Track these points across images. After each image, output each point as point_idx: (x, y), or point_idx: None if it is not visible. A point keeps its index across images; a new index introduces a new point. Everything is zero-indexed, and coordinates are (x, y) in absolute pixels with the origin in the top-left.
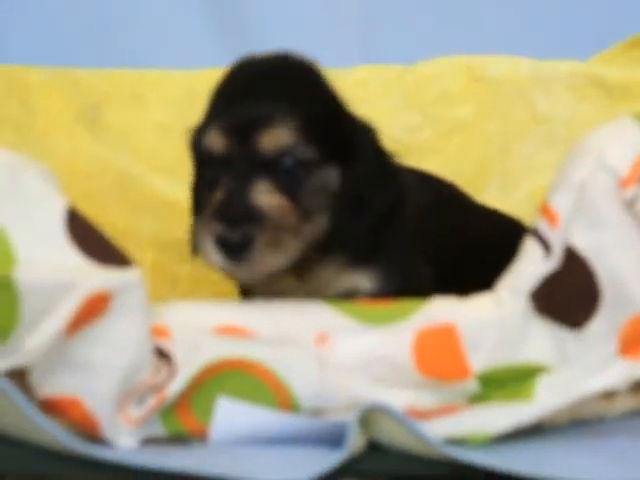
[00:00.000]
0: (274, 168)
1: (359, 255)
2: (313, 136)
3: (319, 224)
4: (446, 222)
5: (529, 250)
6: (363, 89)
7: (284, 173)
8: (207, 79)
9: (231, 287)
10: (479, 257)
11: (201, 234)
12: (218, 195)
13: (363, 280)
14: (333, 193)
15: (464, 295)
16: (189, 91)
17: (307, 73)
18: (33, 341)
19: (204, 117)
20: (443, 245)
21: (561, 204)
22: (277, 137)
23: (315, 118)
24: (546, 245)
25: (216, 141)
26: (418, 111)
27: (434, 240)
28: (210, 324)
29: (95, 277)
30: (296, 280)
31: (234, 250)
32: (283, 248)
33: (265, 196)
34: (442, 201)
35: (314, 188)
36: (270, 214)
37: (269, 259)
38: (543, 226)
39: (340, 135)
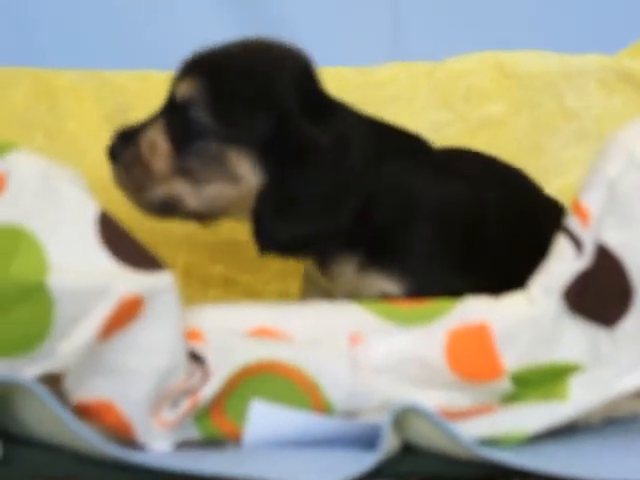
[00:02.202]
0: (178, 116)
1: (379, 253)
2: (221, 112)
3: (205, 196)
4: (489, 217)
5: (561, 248)
6: (393, 86)
7: (181, 123)
8: None
9: (263, 287)
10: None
11: None
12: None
13: (389, 285)
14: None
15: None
16: None
17: (279, 70)
18: (67, 346)
19: None
20: (488, 241)
21: (593, 202)
22: (184, 87)
23: (238, 99)
24: (578, 243)
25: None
26: (447, 108)
27: (476, 236)
28: (243, 327)
29: (128, 282)
30: (322, 275)
31: (111, 154)
32: (142, 182)
33: (151, 131)
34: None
35: (203, 155)
36: (141, 144)
37: (125, 178)
38: (575, 224)
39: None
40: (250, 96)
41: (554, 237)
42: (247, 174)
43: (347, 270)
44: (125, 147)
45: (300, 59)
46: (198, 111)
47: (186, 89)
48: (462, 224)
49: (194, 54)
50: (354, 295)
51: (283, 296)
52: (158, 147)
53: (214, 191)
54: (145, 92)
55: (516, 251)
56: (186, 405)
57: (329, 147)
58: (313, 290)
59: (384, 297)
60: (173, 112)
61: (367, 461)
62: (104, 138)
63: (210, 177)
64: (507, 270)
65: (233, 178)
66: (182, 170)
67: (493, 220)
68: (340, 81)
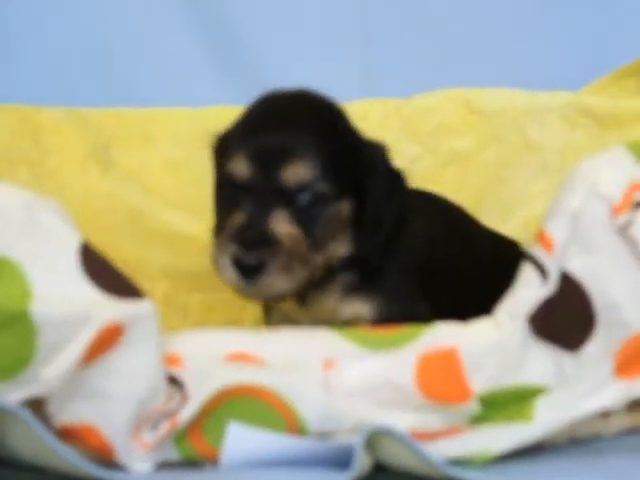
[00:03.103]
0: (292, 200)
1: (362, 282)
2: (331, 172)
3: (329, 252)
4: (453, 252)
5: (526, 275)
6: (364, 122)
7: (301, 206)
8: (213, 116)
9: (240, 316)
10: (482, 283)
11: (219, 253)
12: (238, 218)
13: (363, 308)
14: (346, 222)
15: (465, 319)
16: (196, 128)
17: (327, 109)
18: (50, 372)
19: (229, 134)
20: (449, 274)
21: (556, 231)
22: (298, 172)
23: (334, 154)
24: (543, 270)
25: (241, 168)
26: (417, 142)
27: (440, 270)
28: (220, 352)
29: (109, 309)
30: (298, 306)
31: (248, 271)
32: (292, 274)
33: (281, 225)
34: (450, 231)
35: (327, 221)
36: (284, 242)
37: (278, 282)
38: (539, 252)
39: (356, 168)
40: (348, 156)
41: (502, 267)
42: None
43: (331, 298)
44: (261, 254)
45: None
46: (318, 187)
47: (299, 173)
48: (431, 261)
49: (263, 138)
50: (327, 321)
51: (262, 323)
52: (298, 238)
53: (337, 245)
54: (124, 129)
55: (471, 283)
56: (165, 427)
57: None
58: (274, 317)
59: (356, 321)
60: (286, 197)
61: None
62: (86, 173)
63: (332, 235)
64: (464, 299)
65: (342, 223)
66: (315, 244)
67: (455, 257)
68: None
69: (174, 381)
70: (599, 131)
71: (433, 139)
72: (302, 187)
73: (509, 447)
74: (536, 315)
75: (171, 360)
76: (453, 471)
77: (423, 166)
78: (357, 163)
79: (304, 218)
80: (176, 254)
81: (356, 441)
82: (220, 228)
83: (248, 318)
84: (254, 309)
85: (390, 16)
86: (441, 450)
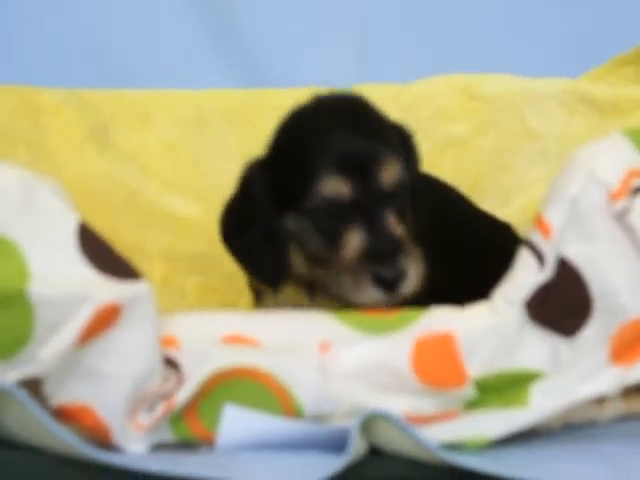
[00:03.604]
0: (391, 199)
1: None
2: (402, 163)
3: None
4: (446, 232)
5: (524, 261)
6: None
7: (399, 202)
8: (212, 98)
9: (237, 299)
10: (474, 263)
11: (349, 277)
12: (356, 237)
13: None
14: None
15: (459, 302)
16: (195, 110)
17: (368, 104)
18: (47, 351)
19: (278, 163)
20: (443, 253)
21: (554, 217)
22: (393, 171)
23: (396, 146)
24: (540, 256)
25: (341, 187)
26: (415, 128)
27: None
28: (217, 334)
29: (106, 290)
30: (305, 294)
31: (391, 285)
32: (420, 269)
33: (396, 227)
34: (443, 208)
35: (409, 208)
36: (405, 242)
37: (416, 282)
38: (537, 238)
39: (405, 152)
40: (399, 142)
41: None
42: None
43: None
44: (399, 264)
45: None
46: (405, 179)
47: (394, 172)
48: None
49: (346, 151)
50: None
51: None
52: (407, 233)
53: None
54: (123, 110)
55: (464, 263)
56: (161, 409)
57: None
58: (267, 303)
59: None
60: (387, 198)
61: (335, 464)
62: (84, 153)
63: (411, 219)
64: (457, 279)
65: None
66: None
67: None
68: None
69: (170, 363)
70: (598, 118)
71: (432, 124)
72: (398, 185)
73: (504, 432)
74: (532, 300)
75: (168, 342)
76: (448, 455)
77: (422, 151)
78: (404, 147)
79: (402, 211)
80: (173, 236)
81: (351, 425)
82: (329, 257)
83: (245, 301)
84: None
85: (389, 2)
86: (436, 434)
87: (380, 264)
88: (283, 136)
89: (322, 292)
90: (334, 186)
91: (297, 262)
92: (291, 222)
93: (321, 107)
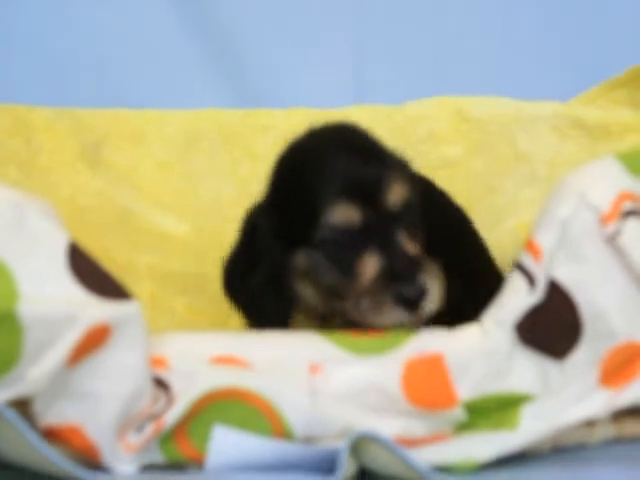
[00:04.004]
0: (400, 219)
1: None
2: (407, 181)
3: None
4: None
5: (514, 283)
6: None
7: (408, 220)
8: (205, 118)
9: (226, 319)
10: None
11: (369, 301)
12: (372, 261)
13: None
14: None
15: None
16: (187, 130)
17: (364, 133)
18: (36, 371)
19: (281, 202)
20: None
21: (545, 240)
22: (400, 192)
23: (398, 167)
24: (530, 278)
25: (350, 213)
26: (407, 149)
27: None
28: (207, 354)
29: (96, 310)
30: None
31: (414, 303)
32: (440, 285)
33: (409, 245)
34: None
35: (418, 226)
36: (421, 260)
37: (437, 298)
38: (528, 260)
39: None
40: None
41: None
42: None
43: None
44: (420, 282)
45: None
46: (412, 198)
47: (401, 192)
48: None
49: (353, 177)
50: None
51: (246, 326)
52: (419, 250)
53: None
54: (116, 129)
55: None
56: (151, 429)
57: None
58: None
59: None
60: (396, 218)
61: None
62: (76, 172)
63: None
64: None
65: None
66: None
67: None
68: (304, 121)
69: (160, 383)
70: (589, 142)
71: (423, 146)
72: (406, 204)
73: (493, 455)
74: (523, 323)
75: (157, 362)
76: (437, 478)
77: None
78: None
79: (413, 230)
80: (164, 255)
81: (341, 446)
82: (344, 288)
83: (234, 321)
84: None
85: (383, 25)
86: (425, 457)
87: (401, 283)
88: (282, 173)
89: (340, 319)
90: (343, 213)
91: (309, 296)
92: (301, 258)
93: (316, 138)
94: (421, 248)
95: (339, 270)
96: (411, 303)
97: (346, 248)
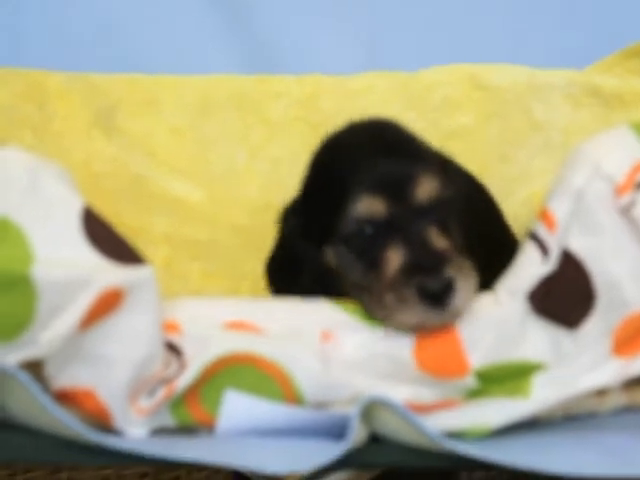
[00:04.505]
0: (430, 215)
1: None
2: (441, 177)
3: (462, 253)
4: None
5: (528, 253)
6: (369, 95)
7: (440, 217)
8: (219, 84)
9: (238, 285)
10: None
11: (392, 296)
12: (396, 255)
13: None
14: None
15: None
16: (202, 96)
17: (400, 129)
18: (49, 334)
19: (315, 195)
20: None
21: (559, 210)
22: (429, 187)
23: (432, 162)
24: (544, 248)
25: (376, 206)
26: (421, 117)
27: None
28: (219, 320)
29: (109, 274)
30: None
31: (439, 297)
32: (472, 282)
33: (439, 240)
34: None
35: (456, 223)
36: (451, 255)
37: (466, 296)
38: (541, 230)
39: (443, 167)
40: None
41: None
42: None
43: None
44: (447, 274)
45: None
46: (445, 194)
47: (430, 188)
48: None
49: (382, 172)
50: None
51: (259, 292)
52: (453, 247)
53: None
54: (130, 95)
55: None
56: (162, 394)
57: None
58: None
59: None
60: (427, 215)
61: (335, 451)
62: (90, 138)
63: (460, 235)
64: None
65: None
66: (456, 248)
67: None
68: (317, 88)
69: (172, 348)
70: (603, 110)
71: (437, 114)
72: (435, 200)
73: (505, 422)
74: (536, 292)
75: (170, 327)
76: (448, 443)
77: (427, 140)
78: (440, 163)
79: (445, 226)
80: (178, 221)
81: (352, 412)
82: (370, 283)
83: (246, 287)
84: (252, 279)
85: None
86: (437, 423)
87: (423, 275)
88: (314, 170)
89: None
90: (369, 205)
91: (345, 290)
92: (330, 254)
93: (349, 134)
94: (458, 246)
95: (363, 263)
96: (436, 297)
97: (371, 241)
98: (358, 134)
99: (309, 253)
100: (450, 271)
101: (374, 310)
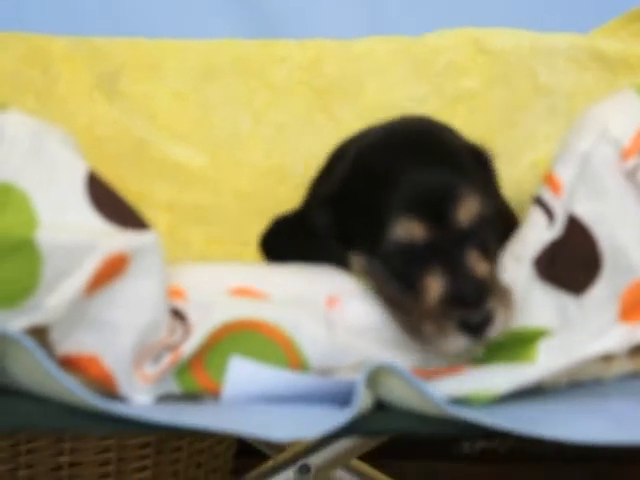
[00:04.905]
0: (471, 237)
1: None
2: (484, 193)
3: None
4: None
5: (533, 218)
6: (371, 59)
7: (481, 238)
8: (222, 49)
9: (241, 251)
10: None
11: (431, 325)
12: (436, 283)
13: None
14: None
15: None
16: (205, 61)
17: (444, 133)
18: (54, 300)
19: (344, 189)
20: None
21: (565, 174)
22: (471, 208)
23: (473, 175)
24: (550, 213)
25: (415, 230)
26: (425, 81)
27: None
28: (224, 286)
29: (114, 239)
30: None
31: (478, 329)
32: (511, 308)
33: (479, 266)
34: None
35: (495, 241)
36: (491, 282)
37: (505, 323)
38: (547, 195)
39: (485, 181)
40: (479, 171)
41: None
42: None
43: None
44: (487, 307)
45: None
46: (485, 213)
47: (472, 208)
48: None
49: (419, 190)
50: None
51: (261, 258)
52: (492, 269)
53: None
54: (133, 59)
55: None
56: (167, 360)
57: None
58: None
59: None
60: (467, 236)
61: (341, 417)
62: (93, 102)
63: (498, 252)
64: None
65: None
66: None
67: None
68: (320, 52)
69: (177, 314)
70: (609, 75)
71: (442, 79)
72: (477, 220)
73: (511, 388)
74: (542, 258)
75: (175, 293)
76: (453, 410)
77: (431, 106)
78: (484, 174)
79: (485, 247)
80: (180, 186)
81: (358, 378)
82: (406, 304)
83: (249, 252)
84: (256, 244)
85: None
86: (442, 388)
87: (466, 309)
88: (351, 170)
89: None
90: (408, 230)
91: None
92: (361, 262)
93: (390, 140)
94: (496, 265)
95: (401, 284)
96: (476, 330)
97: (410, 264)
98: (397, 141)
99: (335, 252)
100: (491, 302)
101: (410, 334)
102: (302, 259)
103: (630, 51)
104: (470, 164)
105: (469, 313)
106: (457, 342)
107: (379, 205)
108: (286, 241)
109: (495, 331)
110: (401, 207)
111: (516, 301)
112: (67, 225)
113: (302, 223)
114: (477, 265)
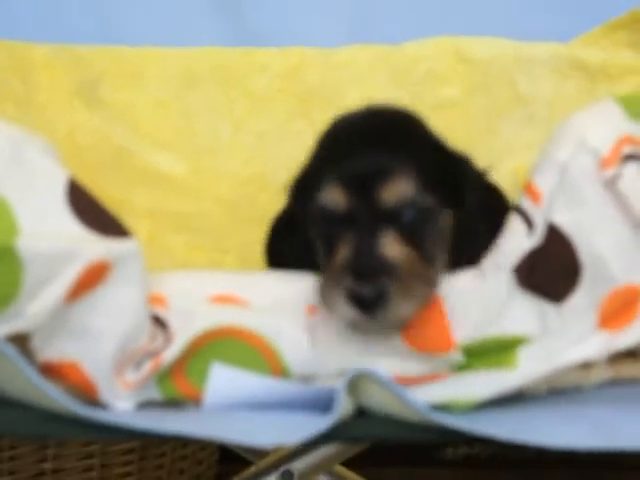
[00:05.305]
0: (396, 219)
1: None
2: (428, 184)
3: (439, 267)
4: None
5: (513, 226)
6: (352, 68)
7: (406, 223)
8: (204, 57)
9: (223, 258)
10: None
11: (329, 289)
12: (343, 250)
13: None
14: (447, 235)
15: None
16: (186, 68)
17: (409, 123)
18: (35, 307)
19: (309, 171)
20: None
21: (544, 183)
22: (398, 189)
23: (426, 166)
24: (529, 222)
25: (337, 198)
26: (405, 90)
27: None
28: (205, 293)
29: (95, 247)
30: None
31: (367, 305)
32: (415, 296)
33: (392, 247)
34: None
35: (434, 234)
36: (399, 265)
37: (402, 310)
38: (527, 204)
39: (449, 177)
40: (440, 168)
41: None
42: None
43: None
44: (379, 284)
45: None
46: (420, 201)
47: (399, 190)
48: None
49: (354, 163)
50: None
51: (244, 265)
52: (411, 257)
53: (441, 257)
54: (114, 67)
55: None
56: (148, 367)
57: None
58: None
59: None
60: (390, 218)
61: (322, 424)
62: (74, 110)
63: (440, 249)
64: None
65: (445, 234)
66: (427, 260)
67: None
68: (301, 61)
69: (159, 321)
70: (589, 84)
71: (421, 87)
72: (403, 204)
73: (491, 394)
74: (521, 266)
75: (156, 300)
76: (435, 416)
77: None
78: (450, 175)
79: (412, 235)
80: (161, 194)
81: (339, 385)
82: (324, 267)
83: (230, 259)
84: (237, 252)
85: None
86: (423, 395)
87: (355, 280)
88: (315, 146)
89: None
90: (332, 197)
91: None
92: (309, 225)
93: (357, 118)
94: (430, 259)
95: (323, 248)
96: (363, 303)
97: (331, 230)
98: (362, 120)
99: (299, 228)
100: (388, 283)
101: (319, 297)
102: (295, 254)
103: (610, 61)
104: (426, 157)
105: (357, 285)
106: (345, 311)
107: (320, 174)
108: (282, 241)
109: (388, 313)
110: (332, 178)
111: (428, 298)
112: (48, 233)
113: (289, 217)
114: (388, 245)
